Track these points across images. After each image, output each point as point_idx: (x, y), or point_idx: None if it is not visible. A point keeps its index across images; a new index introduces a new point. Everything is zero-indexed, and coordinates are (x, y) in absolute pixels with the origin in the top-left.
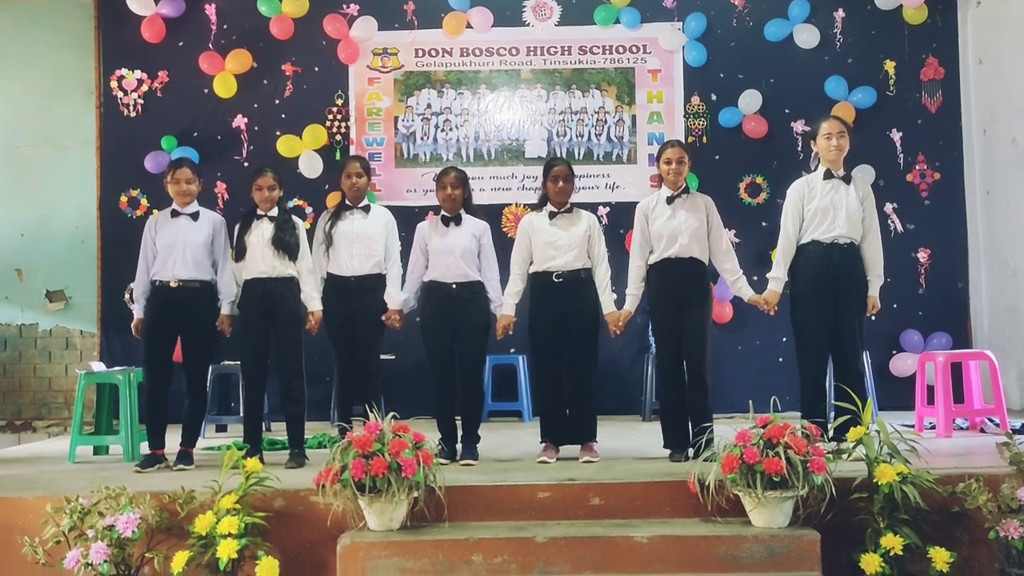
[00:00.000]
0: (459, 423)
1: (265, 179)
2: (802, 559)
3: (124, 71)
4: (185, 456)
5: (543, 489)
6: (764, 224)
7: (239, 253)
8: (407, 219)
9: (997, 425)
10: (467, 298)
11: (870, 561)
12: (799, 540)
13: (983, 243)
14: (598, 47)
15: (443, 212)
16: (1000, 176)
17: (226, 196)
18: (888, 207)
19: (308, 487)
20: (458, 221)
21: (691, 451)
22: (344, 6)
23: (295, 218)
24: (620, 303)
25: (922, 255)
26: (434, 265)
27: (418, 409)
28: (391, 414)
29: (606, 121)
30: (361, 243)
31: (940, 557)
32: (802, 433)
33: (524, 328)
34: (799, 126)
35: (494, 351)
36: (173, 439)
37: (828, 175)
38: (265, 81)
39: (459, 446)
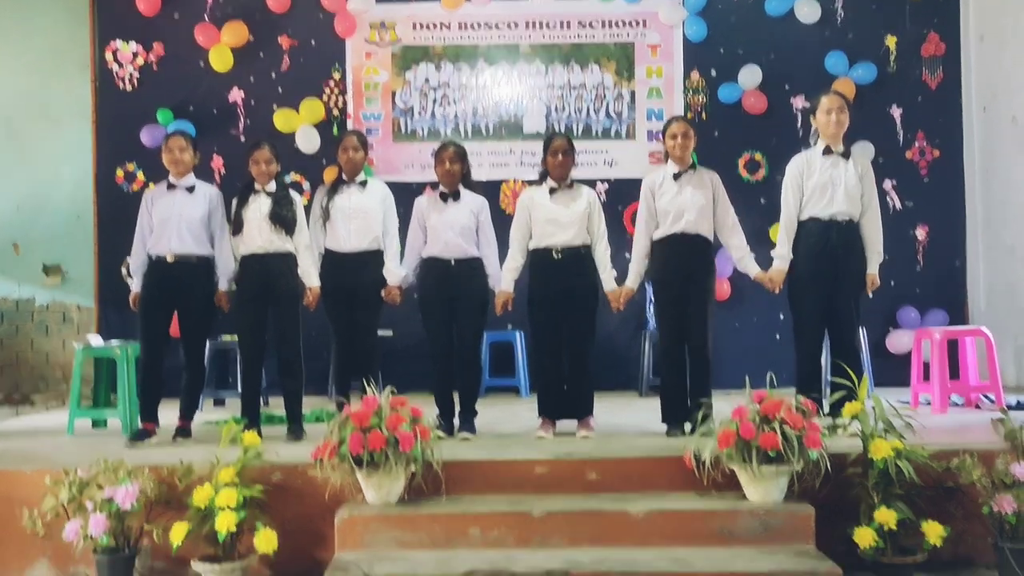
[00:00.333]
0: (457, 398)
1: (262, 153)
2: (796, 533)
3: (119, 43)
4: (183, 430)
5: (540, 464)
6: (763, 201)
7: (236, 228)
8: (405, 195)
9: (992, 401)
10: (465, 274)
11: (864, 535)
12: (794, 514)
13: (981, 220)
14: (597, 21)
15: (441, 187)
16: (999, 154)
17: (223, 171)
18: (887, 184)
19: (306, 461)
20: (456, 197)
21: (688, 426)
22: None
23: (293, 193)
24: (619, 280)
25: (920, 232)
26: (433, 241)
27: (416, 384)
28: (388, 389)
29: (605, 97)
30: (359, 218)
31: (933, 531)
32: (798, 409)
33: (522, 304)
34: (799, 102)
35: (491, 327)
36: (170, 414)
37: (827, 151)
38: (261, 54)
39: (457, 421)
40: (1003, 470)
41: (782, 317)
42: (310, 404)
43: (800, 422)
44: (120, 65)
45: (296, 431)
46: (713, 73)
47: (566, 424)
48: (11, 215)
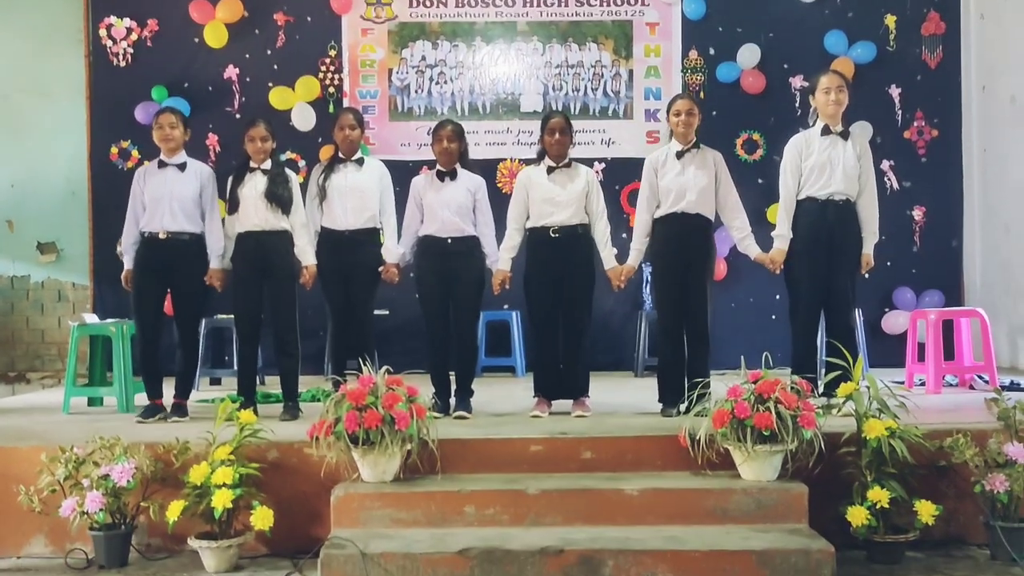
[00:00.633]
0: (453, 377)
1: (258, 130)
2: (790, 512)
3: (113, 19)
4: (179, 408)
5: (535, 442)
6: (760, 181)
7: (232, 206)
8: (401, 173)
9: (986, 382)
10: (462, 253)
11: (857, 514)
12: (787, 493)
13: (978, 201)
14: None
15: (438, 166)
16: (998, 134)
17: (218, 148)
18: (885, 164)
19: (302, 439)
20: (453, 175)
21: (683, 406)
22: None
23: (288, 171)
24: (619, 258)
25: (917, 213)
26: (429, 220)
27: (412, 363)
28: (384, 368)
29: (602, 75)
30: (355, 197)
31: (926, 510)
32: (793, 388)
33: (519, 284)
34: (797, 82)
35: (488, 307)
36: (166, 392)
37: (826, 131)
38: (257, 31)
39: (453, 400)
40: (996, 449)
41: (778, 297)
42: (306, 383)
43: (795, 402)
44: (114, 41)
45: (292, 409)
46: (711, 52)
47: (562, 404)
48: (5, 192)
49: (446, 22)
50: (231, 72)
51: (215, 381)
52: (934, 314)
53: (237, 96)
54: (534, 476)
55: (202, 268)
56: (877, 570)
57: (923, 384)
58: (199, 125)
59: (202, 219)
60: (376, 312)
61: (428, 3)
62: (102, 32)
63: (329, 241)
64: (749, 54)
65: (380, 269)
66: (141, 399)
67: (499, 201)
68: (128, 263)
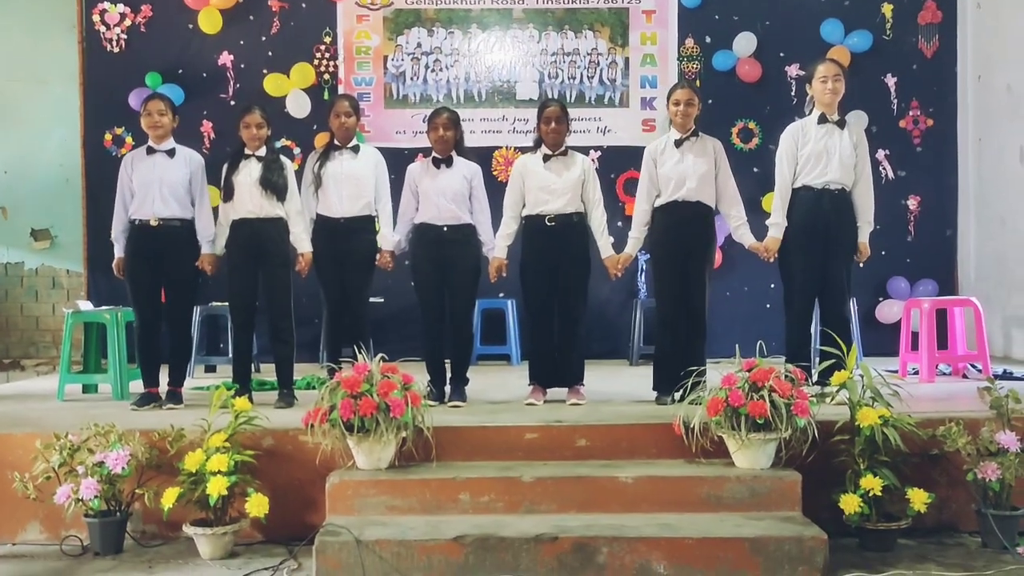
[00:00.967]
0: (448, 365)
1: (253, 117)
2: (783, 499)
3: (106, 4)
4: (174, 395)
5: (530, 430)
6: (756, 170)
7: (227, 193)
8: (397, 161)
9: (979, 371)
10: (458, 241)
11: (849, 501)
12: (780, 481)
13: (973, 190)
14: None
15: (434, 154)
16: (993, 123)
17: (212, 135)
18: (880, 153)
19: (297, 427)
20: (449, 163)
21: (677, 394)
22: None
23: (283, 158)
24: (615, 247)
25: (912, 202)
26: (425, 207)
27: (407, 351)
28: (379, 356)
29: (599, 63)
30: (351, 184)
31: (918, 498)
32: (787, 377)
33: (514, 272)
34: (793, 70)
35: (483, 295)
36: (161, 379)
37: (822, 119)
38: (251, 17)
39: (448, 388)
40: (988, 438)
41: (773, 286)
42: (301, 371)
43: (788, 390)
44: (107, 27)
45: (287, 397)
46: (708, 40)
47: (556, 392)
48: None
49: (441, 9)
50: (225, 58)
51: (210, 368)
52: (928, 303)
53: (231, 83)
54: (529, 464)
55: (194, 255)
56: (869, 557)
57: (916, 373)
58: (193, 112)
59: (192, 205)
60: (371, 300)
61: None
62: (96, 18)
63: (324, 229)
64: (745, 42)
65: (375, 257)
66: (136, 386)
67: (495, 189)
68: (119, 251)
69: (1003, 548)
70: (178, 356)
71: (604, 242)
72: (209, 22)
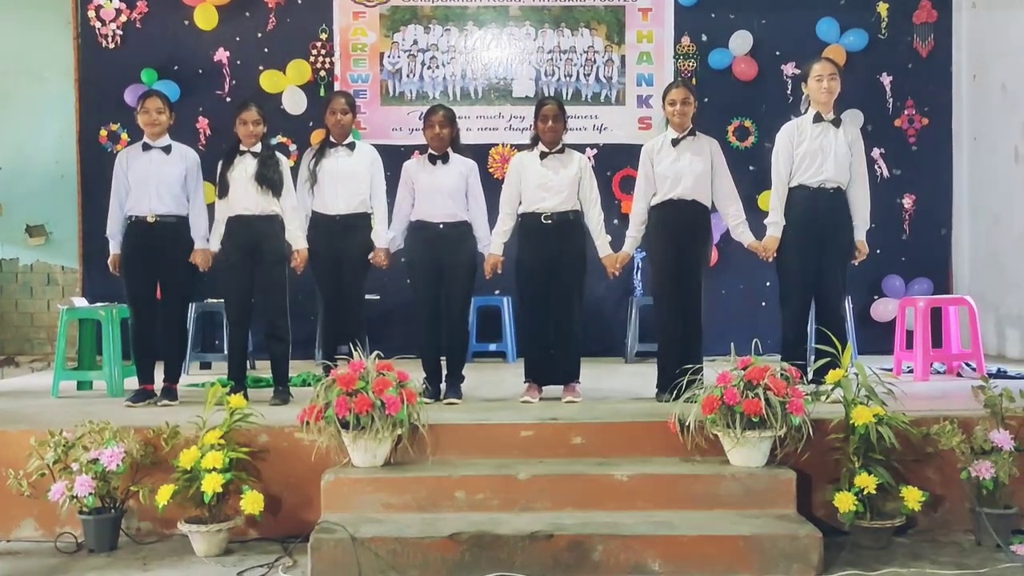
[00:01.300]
0: (444, 363)
1: (250, 113)
2: (778, 497)
3: (102, 0)
4: (169, 392)
5: (526, 428)
6: (751, 168)
7: (222, 190)
8: (392, 158)
9: (974, 369)
10: (454, 237)
11: (844, 499)
12: (775, 479)
13: (967, 189)
14: None
15: (430, 151)
16: (988, 122)
17: (208, 131)
18: (875, 152)
19: (292, 424)
20: (445, 160)
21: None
22: None
23: (279, 154)
24: (612, 245)
25: (907, 201)
26: (421, 204)
27: (403, 349)
28: (375, 353)
29: (595, 61)
30: (346, 181)
31: (912, 496)
32: (782, 375)
33: (510, 269)
34: (789, 69)
35: (479, 292)
36: (157, 377)
37: (818, 118)
38: (247, 13)
39: (443, 385)
40: (982, 436)
41: (768, 284)
42: (296, 368)
43: (783, 388)
44: (103, 23)
45: (282, 394)
46: (704, 38)
47: (552, 389)
48: None
49: (438, 6)
50: (221, 55)
51: (205, 365)
52: (923, 302)
53: (227, 79)
54: (524, 461)
55: (189, 251)
56: (863, 555)
57: (911, 371)
58: (189, 108)
59: (188, 202)
60: (367, 297)
61: None
62: (91, 13)
63: (320, 226)
64: (741, 41)
65: (370, 255)
66: (131, 383)
67: (491, 186)
68: (114, 247)
69: (997, 547)
70: (173, 353)
71: (602, 241)
72: (205, 18)
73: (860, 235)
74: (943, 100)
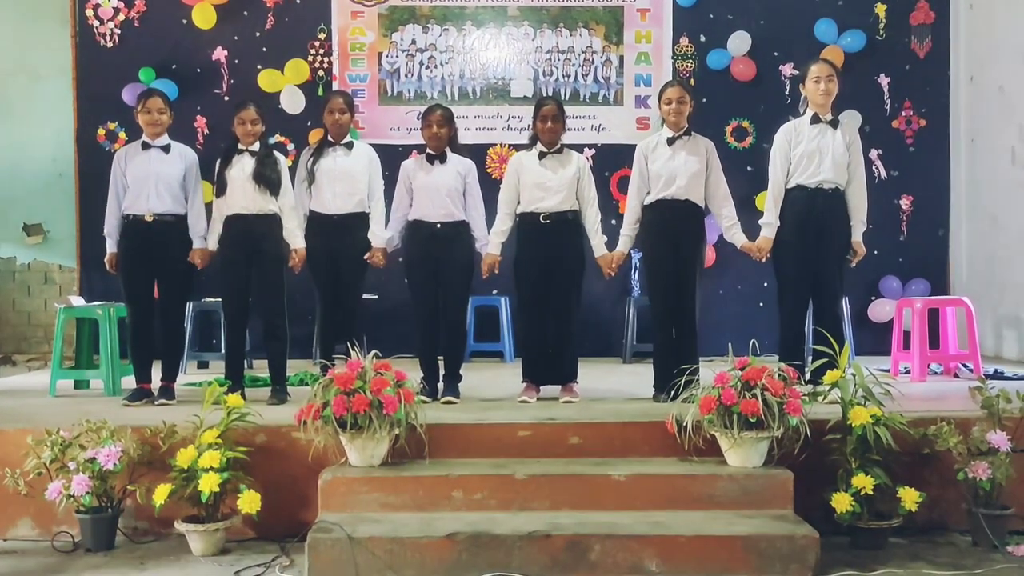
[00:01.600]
0: (441, 362)
1: (248, 113)
2: (775, 497)
3: None
4: (166, 391)
5: (523, 428)
6: (749, 168)
7: (220, 189)
8: (390, 158)
9: (971, 370)
10: (451, 237)
11: (841, 500)
12: (772, 479)
13: (965, 191)
14: None
15: (428, 150)
16: (985, 124)
17: (206, 131)
18: (873, 153)
19: (290, 423)
20: (443, 159)
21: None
22: None
23: (277, 153)
24: (608, 245)
25: (904, 202)
26: (418, 203)
27: (400, 348)
28: (373, 352)
29: (593, 61)
30: (344, 181)
31: (909, 497)
32: (779, 375)
33: (508, 269)
34: (787, 69)
35: (476, 292)
36: (153, 375)
37: (815, 119)
38: (245, 12)
39: (441, 385)
40: (979, 437)
41: (766, 285)
42: (294, 367)
43: (781, 389)
44: (101, 21)
45: (280, 393)
46: (702, 39)
47: (550, 389)
48: None
49: (436, 6)
50: (219, 54)
51: (203, 364)
52: (920, 303)
53: (225, 78)
54: (522, 461)
55: (187, 251)
56: (861, 556)
57: (908, 372)
58: (187, 107)
59: (186, 201)
60: (365, 296)
61: None
62: (89, 12)
63: (318, 225)
64: (739, 41)
65: (367, 254)
66: (128, 382)
67: (489, 186)
68: (112, 246)
69: (993, 547)
70: (170, 352)
71: (598, 241)
72: (203, 17)
73: (857, 236)
74: (941, 101)
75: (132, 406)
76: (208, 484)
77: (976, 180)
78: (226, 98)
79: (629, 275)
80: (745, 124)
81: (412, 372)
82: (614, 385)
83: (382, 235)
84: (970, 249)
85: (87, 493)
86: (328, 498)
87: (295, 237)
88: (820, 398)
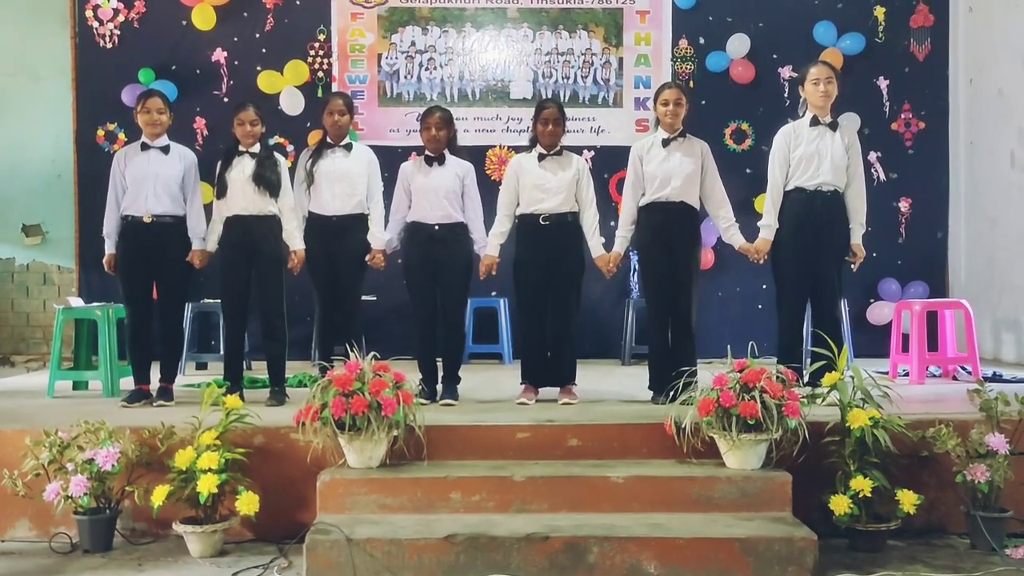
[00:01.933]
0: (440, 364)
1: (248, 114)
2: (773, 500)
3: (99, 0)
4: (165, 392)
5: (522, 430)
6: (748, 171)
7: (221, 191)
8: (390, 159)
9: (969, 373)
10: (450, 239)
11: (839, 502)
12: (771, 481)
13: (964, 193)
14: None
15: (427, 152)
16: (984, 127)
17: (205, 132)
18: (872, 156)
19: (288, 424)
20: (442, 161)
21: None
22: None
23: (277, 155)
24: (606, 247)
25: (903, 204)
26: (417, 205)
27: (399, 350)
28: (371, 354)
29: (592, 63)
30: (343, 182)
31: (908, 499)
32: (778, 378)
33: (506, 271)
34: (786, 72)
35: (475, 294)
36: (153, 377)
37: (815, 122)
38: (245, 14)
39: (439, 387)
40: (977, 440)
41: (765, 287)
42: (293, 369)
43: (780, 391)
44: (101, 22)
45: (278, 395)
46: (701, 41)
47: (548, 391)
48: None
49: (436, 7)
50: (219, 55)
51: (201, 366)
52: (919, 305)
53: (225, 80)
54: (520, 463)
55: (186, 252)
56: (859, 558)
57: (907, 375)
58: (186, 108)
59: (185, 202)
60: (364, 298)
61: None
62: (88, 13)
63: (317, 226)
64: (739, 44)
65: (366, 256)
66: (126, 383)
67: (488, 188)
68: (110, 247)
69: (991, 550)
70: (169, 353)
71: (595, 242)
72: (203, 18)
73: (856, 238)
74: (940, 104)
75: (130, 407)
76: (206, 485)
77: (975, 183)
78: (225, 99)
79: (628, 277)
80: (744, 126)
81: (411, 373)
82: (613, 387)
83: (382, 237)
84: (969, 252)
85: (85, 494)
86: (326, 499)
87: (294, 239)
88: (819, 400)
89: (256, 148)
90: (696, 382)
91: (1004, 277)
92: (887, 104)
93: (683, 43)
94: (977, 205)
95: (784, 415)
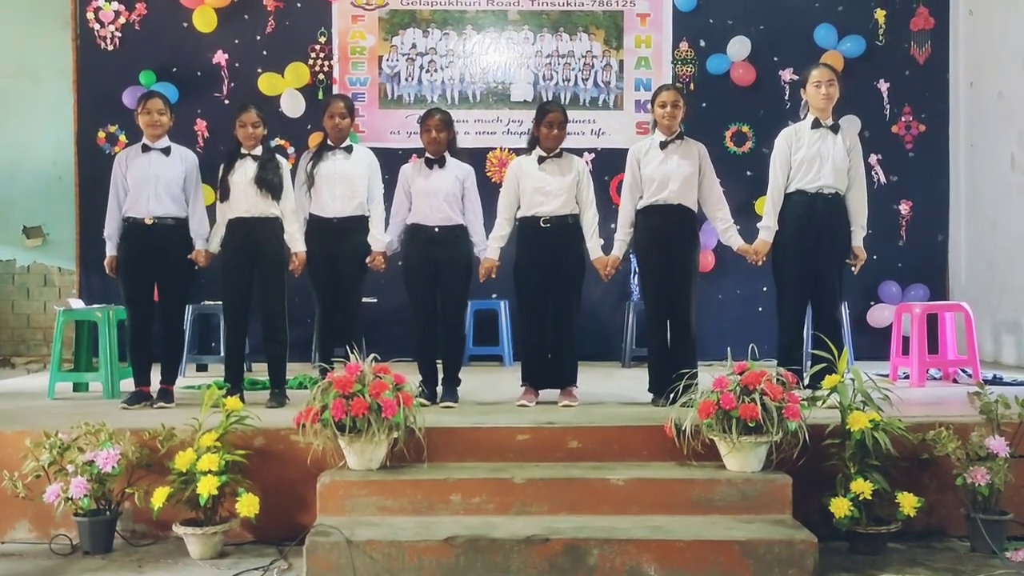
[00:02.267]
0: (440, 366)
1: (249, 116)
2: (773, 502)
3: (101, 2)
4: (165, 394)
5: (522, 432)
6: (749, 173)
7: (223, 193)
8: (390, 162)
9: (970, 375)
10: (450, 241)
11: (840, 505)
12: (771, 484)
13: (964, 196)
14: None
15: (427, 155)
16: (985, 129)
17: (206, 134)
18: (872, 158)
19: (288, 426)
20: (442, 164)
21: (671, 396)
22: None
23: (279, 157)
24: (605, 249)
25: (904, 207)
26: (417, 208)
27: (399, 352)
28: (372, 356)
29: (593, 66)
30: (344, 184)
31: (908, 502)
32: (778, 380)
33: (507, 273)
34: (787, 74)
35: (476, 296)
36: (152, 378)
37: (816, 124)
38: (246, 16)
39: (440, 389)
40: (978, 443)
41: (765, 289)
42: (293, 371)
43: (780, 393)
44: (102, 24)
45: (279, 396)
46: (702, 44)
47: (549, 393)
48: None
49: (437, 10)
50: (220, 57)
51: (202, 367)
52: (919, 308)
53: (226, 82)
54: (520, 465)
55: (187, 253)
56: (859, 561)
57: (907, 377)
58: (187, 110)
59: (186, 204)
60: (364, 300)
61: None
62: (90, 15)
63: (317, 229)
64: (739, 46)
65: (367, 258)
66: (126, 385)
67: (488, 190)
68: (111, 249)
69: (992, 552)
70: (170, 355)
71: (594, 244)
72: (204, 20)
73: (858, 241)
74: (940, 107)
75: (131, 409)
76: (206, 487)
77: (975, 185)
78: (226, 101)
79: (628, 279)
80: (744, 129)
81: (411, 376)
82: (613, 389)
83: (382, 239)
84: (969, 254)
85: (85, 496)
86: (326, 501)
87: (295, 241)
88: (819, 403)
89: (258, 151)
90: (696, 384)
91: (1004, 279)
92: (887, 107)
93: (683, 46)
94: (977, 208)
95: (784, 417)
